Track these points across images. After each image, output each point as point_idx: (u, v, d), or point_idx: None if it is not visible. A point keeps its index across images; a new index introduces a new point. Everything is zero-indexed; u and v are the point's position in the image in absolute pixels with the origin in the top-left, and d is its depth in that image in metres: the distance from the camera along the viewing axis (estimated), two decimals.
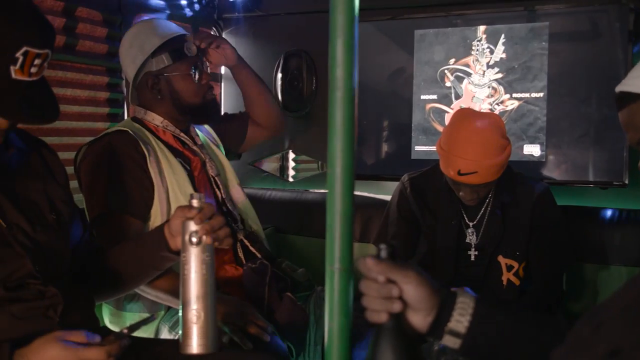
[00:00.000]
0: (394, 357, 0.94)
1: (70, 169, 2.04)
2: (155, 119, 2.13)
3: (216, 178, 2.19)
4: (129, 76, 2.16)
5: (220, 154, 2.33)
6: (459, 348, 1.01)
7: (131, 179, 1.95)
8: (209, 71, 2.21)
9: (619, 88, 1.10)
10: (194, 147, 2.18)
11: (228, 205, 2.19)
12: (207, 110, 2.20)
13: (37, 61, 1.28)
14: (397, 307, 0.96)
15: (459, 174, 2.10)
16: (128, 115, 2.81)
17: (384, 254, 0.99)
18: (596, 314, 0.74)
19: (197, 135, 2.24)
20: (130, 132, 2.01)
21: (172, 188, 2.00)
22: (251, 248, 2.14)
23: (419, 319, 1.00)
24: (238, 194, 2.29)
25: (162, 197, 1.98)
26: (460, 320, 1.00)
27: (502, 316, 1.03)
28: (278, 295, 2.06)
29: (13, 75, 1.26)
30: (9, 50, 1.25)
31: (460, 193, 2.22)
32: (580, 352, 0.66)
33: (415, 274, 0.99)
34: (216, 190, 2.18)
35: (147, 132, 2.09)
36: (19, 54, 1.25)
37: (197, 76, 2.12)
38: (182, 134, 2.16)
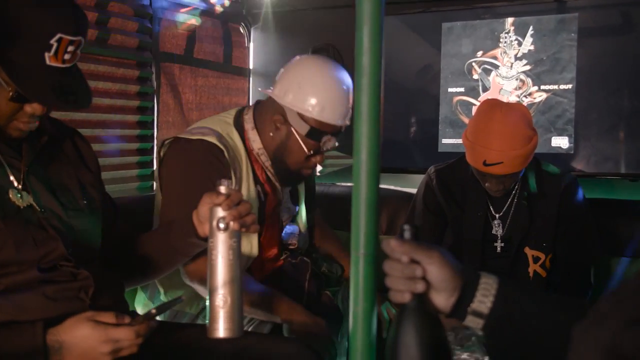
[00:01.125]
0: (416, 337, 0.95)
1: (103, 161, 2.08)
2: (256, 142, 2.00)
3: (284, 221, 2.12)
4: (275, 90, 1.99)
5: (302, 187, 2.25)
6: (482, 329, 1.02)
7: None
8: (323, 159, 2.03)
9: None
10: (276, 183, 2.06)
11: (288, 244, 2.14)
12: (292, 177, 2.07)
13: (70, 48, 1.32)
14: (420, 287, 0.97)
15: (485, 164, 2.09)
16: (158, 106, 2.84)
17: (407, 234, 1.00)
18: (617, 292, 0.75)
19: None
20: (225, 152, 1.89)
21: None
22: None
23: (442, 300, 1.01)
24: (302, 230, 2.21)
25: None
26: (483, 300, 1.01)
27: (526, 298, 1.03)
28: (317, 293, 2.07)
29: (47, 62, 1.30)
30: (43, 36, 1.28)
31: (487, 184, 2.21)
32: (599, 325, 0.67)
33: (439, 255, 0.99)
34: (280, 234, 2.11)
35: (242, 151, 1.97)
36: (53, 41, 1.29)
37: (310, 155, 1.97)
38: (270, 168, 2.02)
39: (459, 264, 1.02)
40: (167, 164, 1.95)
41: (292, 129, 1.95)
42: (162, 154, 1.98)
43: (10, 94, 1.31)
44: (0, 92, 1.31)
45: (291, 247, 2.16)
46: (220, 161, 1.88)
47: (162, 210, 1.94)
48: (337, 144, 2.00)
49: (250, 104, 3.08)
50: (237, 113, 2.06)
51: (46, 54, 1.29)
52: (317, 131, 1.94)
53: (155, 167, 2.43)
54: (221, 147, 1.89)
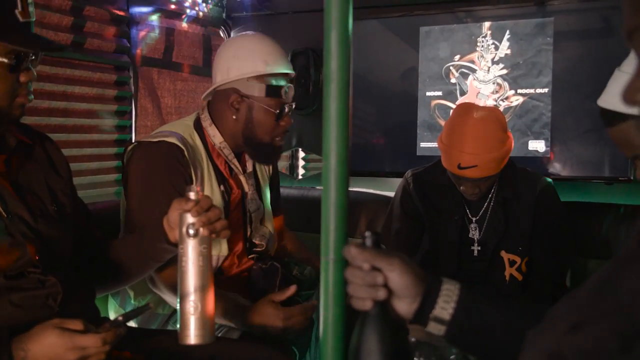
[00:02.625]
0: (379, 344, 0.96)
1: (75, 166, 2.08)
2: (216, 137, 2.04)
3: (252, 215, 2.13)
4: (214, 78, 2.06)
5: (267, 185, 2.27)
6: (444, 335, 1.02)
7: (171, 199, 1.88)
8: (291, 119, 2.09)
9: (601, 104, 1.10)
10: (241, 177, 2.11)
11: (255, 240, 2.15)
12: (269, 152, 2.09)
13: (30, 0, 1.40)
14: (381, 294, 0.97)
15: (459, 167, 2.10)
16: (136, 110, 2.84)
17: (368, 241, 1.00)
18: (570, 297, 0.75)
19: (250, 160, 2.18)
20: (185, 151, 1.92)
21: None
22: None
23: (404, 306, 1.01)
24: (263, 231, 2.21)
25: None
26: (444, 307, 1.01)
27: (487, 304, 1.04)
28: (289, 299, 2.07)
29: (21, 19, 1.38)
30: None
31: (462, 187, 2.22)
32: (547, 330, 0.67)
33: (400, 262, 1.00)
34: (247, 226, 2.12)
35: (202, 151, 2.02)
36: None
37: (279, 117, 2.02)
38: (234, 160, 2.08)
39: (421, 271, 1.02)
40: (129, 169, 1.97)
41: (251, 99, 1.99)
42: (125, 159, 1.99)
43: (6, 61, 1.36)
44: None
45: (259, 249, 2.16)
46: (180, 162, 1.91)
47: (127, 215, 1.95)
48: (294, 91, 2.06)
49: None
50: (196, 116, 2.10)
51: (16, 12, 1.37)
52: (273, 86, 1.99)
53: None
54: (181, 147, 1.92)
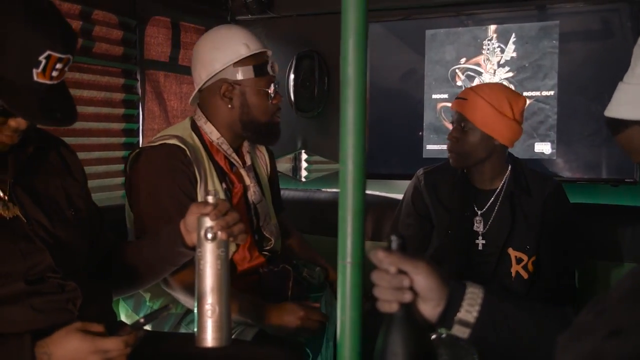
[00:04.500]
0: (404, 346, 0.97)
1: (88, 169, 2.08)
2: (213, 133, 2.08)
3: (257, 205, 2.16)
4: (199, 76, 2.09)
5: (266, 179, 2.31)
6: (468, 337, 1.03)
7: (178, 201, 1.91)
8: (281, 95, 2.15)
9: (607, 114, 1.13)
10: (241, 171, 2.14)
11: (264, 232, 2.17)
12: (270, 131, 2.12)
13: (58, 65, 1.32)
14: (407, 297, 0.98)
15: (456, 97, 2.25)
16: (143, 114, 2.85)
17: (394, 245, 1.01)
18: (599, 301, 0.76)
19: (249, 153, 2.22)
20: (187, 150, 1.96)
21: None
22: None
23: (429, 309, 1.03)
24: (272, 227, 2.24)
25: None
26: (469, 310, 1.02)
27: (511, 307, 1.05)
28: (300, 301, 2.08)
29: (35, 78, 1.30)
30: (32, 53, 1.28)
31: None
32: (584, 335, 0.68)
33: (426, 265, 1.01)
34: (253, 217, 2.15)
35: (202, 149, 2.05)
36: (41, 58, 1.29)
37: (271, 95, 2.08)
38: (233, 154, 2.11)
39: (445, 274, 1.04)
40: (133, 175, 1.99)
41: (242, 84, 2.04)
42: (128, 167, 2.02)
43: None
44: None
45: (268, 246, 2.19)
46: (183, 162, 1.94)
47: (135, 221, 1.97)
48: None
49: None
50: (190, 119, 2.15)
51: (34, 71, 1.29)
52: (259, 66, 2.05)
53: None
54: (183, 147, 1.95)
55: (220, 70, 2.04)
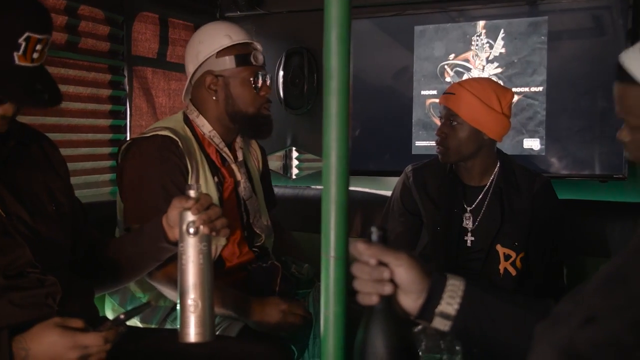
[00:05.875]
0: (384, 339, 0.96)
1: (72, 165, 2.07)
2: (205, 126, 2.08)
3: (246, 202, 2.15)
4: (188, 70, 2.12)
5: (257, 176, 2.30)
6: (449, 330, 1.02)
7: (167, 192, 1.89)
8: (270, 88, 2.13)
9: (622, 58, 1.11)
10: (233, 166, 2.13)
11: (254, 229, 2.16)
12: (257, 124, 2.11)
13: (38, 47, 1.31)
14: (388, 289, 0.97)
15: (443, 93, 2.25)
16: (130, 110, 2.83)
17: (375, 237, 1.00)
18: (578, 291, 0.76)
19: (242, 149, 2.20)
20: (179, 142, 1.96)
21: None
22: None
23: (410, 302, 1.02)
24: (265, 222, 2.24)
25: None
26: (450, 302, 1.01)
27: (493, 299, 1.04)
28: (289, 297, 2.07)
29: (16, 62, 1.29)
30: (11, 36, 1.28)
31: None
32: (560, 323, 0.67)
33: (407, 257, 1.00)
34: (243, 214, 2.14)
35: (194, 142, 2.05)
36: (21, 40, 1.28)
37: (257, 86, 2.07)
38: (225, 149, 2.10)
39: (426, 266, 1.03)
40: (124, 165, 1.99)
41: (225, 76, 2.05)
42: (119, 158, 2.01)
43: None
44: None
45: (259, 242, 2.18)
46: (175, 153, 1.94)
47: (125, 211, 1.97)
48: (263, 57, 2.12)
49: None
50: (183, 113, 2.15)
51: (15, 54, 1.29)
52: (241, 55, 2.06)
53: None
54: (175, 138, 1.95)
55: (204, 62, 2.06)
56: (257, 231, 2.17)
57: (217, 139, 2.09)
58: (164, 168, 1.92)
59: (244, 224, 2.13)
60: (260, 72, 2.08)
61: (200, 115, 2.09)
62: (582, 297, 0.70)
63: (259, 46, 2.14)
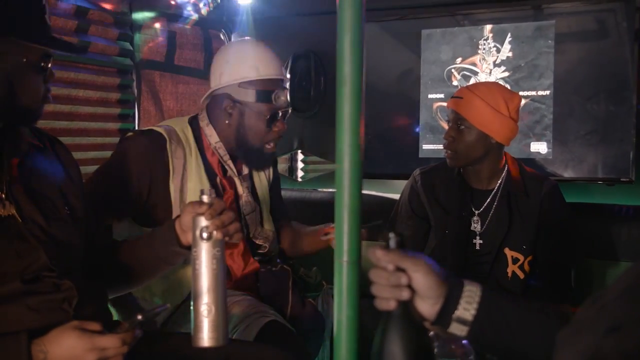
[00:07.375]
0: (402, 343, 0.97)
1: (82, 169, 2.07)
2: (212, 137, 2.07)
3: (247, 217, 2.13)
4: (210, 82, 2.10)
5: (266, 189, 2.28)
6: (466, 336, 1.03)
7: (123, 184, 1.93)
8: (285, 125, 2.10)
9: None
10: (235, 178, 2.12)
11: (257, 241, 2.16)
12: (260, 158, 2.11)
13: None
14: (405, 294, 0.98)
15: (452, 96, 2.28)
16: (139, 114, 2.84)
17: (393, 243, 1.01)
18: (599, 297, 0.76)
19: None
20: (168, 141, 1.96)
21: None
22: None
23: (427, 307, 1.02)
24: (267, 233, 2.22)
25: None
26: (467, 308, 1.02)
27: (509, 305, 1.05)
28: (300, 302, 2.07)
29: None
30: None
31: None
32: (584, 331, 0.68)
33: (424, 263, 1.01)
34: (243, 227, 2.11)
35: (193, 146, 2.04)
36: None
37: (270, 123, 2.05)
38: (229, 161, 2.10)
39: (444, 272, 1.04)
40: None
41: (243, 104, 2.02)
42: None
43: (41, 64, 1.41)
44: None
45: (262, 250, 2.17)
46: (160, 149, 1.95)
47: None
48: (288, 99, 2.06)
49: None
50: (193, 115, 2.16)
51: (46, 17, 1.43)
52: (263, 91, 2.02)
53: None
54: (165, 136, 1.96)
55: (226, 85, 2.04)
56: (260, 242, 2.17)
57: (222, 151, 2.08)
58: (128, 164, 1.94)
59: (244, 237, 2.12)
60: (278, 112, 2.05)
61: (210, 125, 2.08)
62: (604, 304, 0.71)
63: (285, 83, 2.10)
